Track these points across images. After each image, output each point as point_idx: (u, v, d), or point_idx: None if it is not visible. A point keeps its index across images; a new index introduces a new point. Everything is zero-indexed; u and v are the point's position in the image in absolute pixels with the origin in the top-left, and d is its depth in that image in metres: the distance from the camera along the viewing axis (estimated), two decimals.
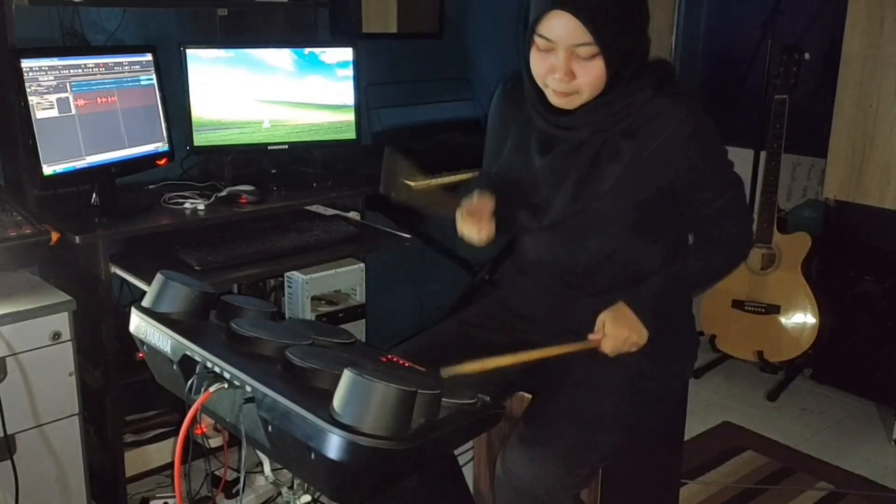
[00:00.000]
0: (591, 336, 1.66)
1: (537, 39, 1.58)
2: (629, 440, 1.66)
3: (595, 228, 1.67)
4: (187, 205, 2.39)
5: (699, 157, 1.64)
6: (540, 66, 1.60)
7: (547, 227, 1.71)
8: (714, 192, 1.69)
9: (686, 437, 2.06)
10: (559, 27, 1.53)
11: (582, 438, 1.58)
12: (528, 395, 1.79)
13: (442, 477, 1.76)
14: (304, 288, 2.62)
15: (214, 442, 2.42)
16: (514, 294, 1.86)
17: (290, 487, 1.53)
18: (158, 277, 1.44)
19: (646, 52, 1.65)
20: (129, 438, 2.45)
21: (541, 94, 1.66)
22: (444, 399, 1.22)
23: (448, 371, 1.52)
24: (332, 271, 2.66)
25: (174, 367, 1.35)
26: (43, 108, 2.13)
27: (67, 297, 2.11)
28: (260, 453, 1.40)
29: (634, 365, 1.68)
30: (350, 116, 2.74)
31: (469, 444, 2.04)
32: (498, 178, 1.78)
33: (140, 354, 1.50)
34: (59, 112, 2.18)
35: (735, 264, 1.81)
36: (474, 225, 1.65)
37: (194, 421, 1.25)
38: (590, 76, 1.57)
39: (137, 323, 1.42)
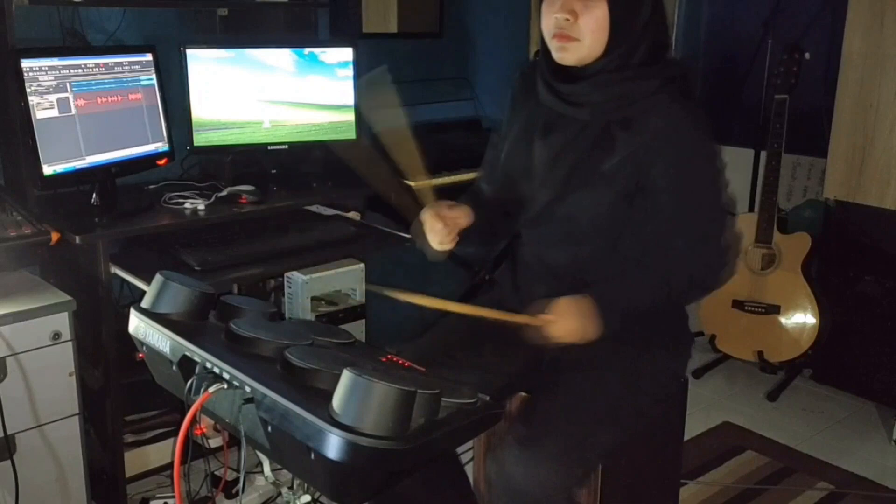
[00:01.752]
0: (543, 316, 1.55)
1: None
2: (625, 440, 1.66)
3: (582, 218, 1.66)
4: (187, 205, 2.39)
5: (679, 162, 1.60)
6: (547, 17, 1.61)
7: (538, 213, 1.70)
8: (685, 205, 1.60)
9: (686, 437, 2.06)
10: None
11: (577, 438, 1.58)
12: (525, 395, 1.79)
13: (445, 478, 1.76)
14: (304, 288, 2.62)
15: (214, 442, 2.42)
16: (510, 293, 1.86)
17: (290, 487, 1.53)
18: (158, 278, 1.44)
19: (661, 41, 1.65)
20: (129, 438, 2.45)
21: (551, 65, 1.66)
22: (444, 399, 1.22)
23: (388, 292, 1.52)
24: (332, 271, 2.66)
25: (173, 367, 1.35)
26: (43, 108, 2.13)
27: (67, 297, 2.11)
28: (260, 453, 1.40)
29: (629, 364, 1.68)
30: (350, 116, 2.74)
31: (469, 444, 2.04)
32: (488, 195, 1.80)
33: (140, 355, 1.50)
34: (59, 112, 2.18)
35: (686, 294, 1.69)
36: (439, 232, 1.66)
37: (194, 421, 1.25)
38: (592, 17, 1.56)
39: (136, 324, 1.42)
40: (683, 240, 1.62)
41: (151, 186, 2.54)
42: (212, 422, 1.53)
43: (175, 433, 2.50)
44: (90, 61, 2.27)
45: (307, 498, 1.53)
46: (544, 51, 1.67)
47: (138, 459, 2.45)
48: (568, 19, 1.57)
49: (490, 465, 1.60)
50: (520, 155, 1.75)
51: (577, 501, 1.68)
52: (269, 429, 1.20)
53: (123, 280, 2.21)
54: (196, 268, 2.18)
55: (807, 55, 3.18)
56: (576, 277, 1.68)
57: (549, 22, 1.61)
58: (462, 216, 1.70)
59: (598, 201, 1.63)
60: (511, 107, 1.83)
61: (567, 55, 1.61)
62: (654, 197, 1.61)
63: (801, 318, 3.22)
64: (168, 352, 1.35)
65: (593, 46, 1.59)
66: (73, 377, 2.14)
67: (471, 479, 2.00)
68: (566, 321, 1.55)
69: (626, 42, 1.59)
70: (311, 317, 2.62)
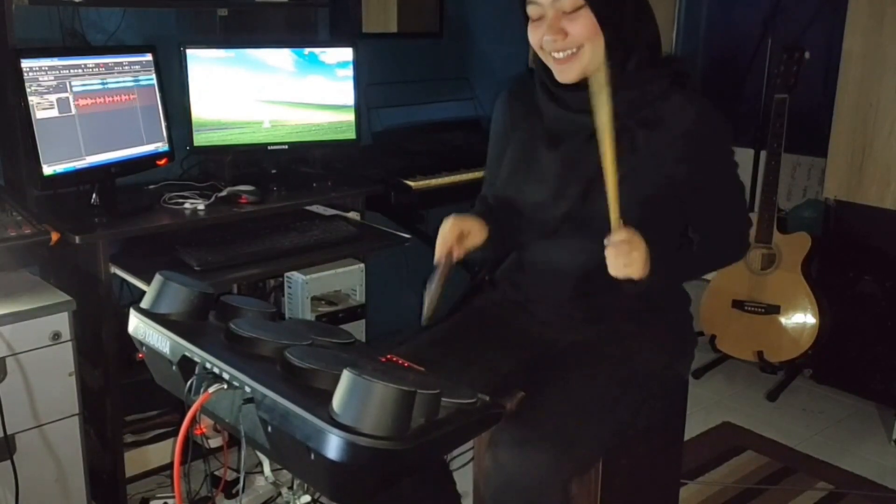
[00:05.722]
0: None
1: (529, 10, 1.63)
2: (621, 436, 1.66)
3: (600, 224, 1.64)
4: (187, 205, 2.39)
5: (714, 156, 1.67)
6: (535, 38, 1.63)
7: (552, 223, 1.69)
8: (721, 191, 1.72)
9: (686, 437, 2.06)
10: None
11: (570, 432, 1.57)
12: (523, 393, 1.78)
13: (432, 478, 1.76)
14: (304, 288, 2.62)
15: (214, 442, 2.42)
16: (515, 291, 1.85)
17: (290, 487, 1.54)
18: (157, 278, 1.44)
19: (654, 41, 1.66)
20: (129, 438, 2.45)
21: (552, 77, 1.66)
22: (443, 399, 1.22)
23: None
24: (332, 271, 2.66)
25: (173, 367, 1.34)
26: (43, 108, 2.13)
27: (67, 297, 2.11)
28: (260, 453, 1.40)
29: (628, 361, 1.68)
30: (350, 116, 2.74)
31: (469, 444, 2.04)
32: (497, 203, 1.79)
33: (140, 355, 1.50)
34: (59, 112, 2.18)
35: (730, 262, 1.93)
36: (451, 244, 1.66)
37: (194, 421, 1.25)
38: (580, 26, 1.57)
39: (136, 324, 1.42)
40: (721, 220, 1.77)
41: (151, 186, 2.54)
42: (212, 422, 1.53)
43: (175, 433, 2.50)
44: (90, 61, 2.27)
45: (307, 498, 1.53)
46: (541, 66, 1.68)
47: (138, 459, 2.45)
48: (556, 40, 1.58)
49: (486, 459, 1.60)
50: (526, 169, 1.73)
51: (571, 495, 1.68)
52: (269, 429, 1.20)
53: (123, 280, 2.21)
54: (196, 268, 2.18)
55: (807, 54, 3.18)
56: (587, 277, 1.68)
57: (537, 41, 1.63)
58: (477, 232, 1.68)
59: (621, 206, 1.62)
60: (505, 125, 1.81)
61: (569, 74, 1.62)
62: (685, 188, 1.66)
63: (801, 318, 3.22)
64: (168, 352, 1.35)
65: (593, 54, 1.59)
66: (73, 377, 2.14)
67: (470, 480, 2.00)
68: (628, 243, 1.53)
69: (622, 41, 1.59)
70: (311, 317, 2.62)
